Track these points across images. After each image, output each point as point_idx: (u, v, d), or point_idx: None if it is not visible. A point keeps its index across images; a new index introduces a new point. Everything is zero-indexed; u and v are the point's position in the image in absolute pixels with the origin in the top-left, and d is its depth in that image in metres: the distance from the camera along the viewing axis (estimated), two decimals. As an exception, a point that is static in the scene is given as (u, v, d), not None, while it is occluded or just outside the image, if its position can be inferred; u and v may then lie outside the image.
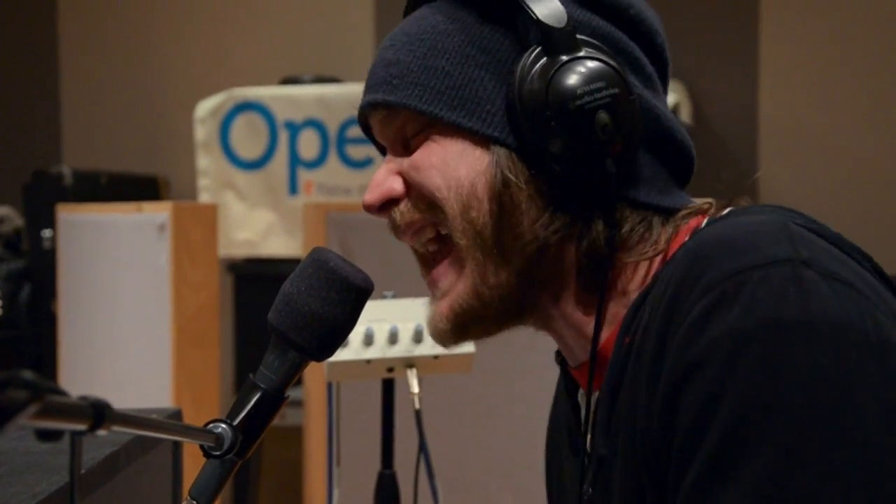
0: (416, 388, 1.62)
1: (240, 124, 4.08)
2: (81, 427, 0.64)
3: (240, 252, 4.12)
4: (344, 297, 1.00)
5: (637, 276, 1.01)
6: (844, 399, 0.79)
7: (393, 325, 1.64)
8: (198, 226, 2.94)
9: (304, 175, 4.09)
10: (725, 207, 1.02)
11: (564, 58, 0.96)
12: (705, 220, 1.01)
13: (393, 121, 1.04)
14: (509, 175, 0.98)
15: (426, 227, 1.04)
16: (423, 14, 1.05)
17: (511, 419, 2.56)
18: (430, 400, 1.72)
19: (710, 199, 1.03)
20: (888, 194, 4.36)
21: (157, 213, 2.93)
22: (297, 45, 4.87)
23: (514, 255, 1.00)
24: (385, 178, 1.04)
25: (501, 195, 0.98)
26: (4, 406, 0.55)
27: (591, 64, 0.97)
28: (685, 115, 4.17)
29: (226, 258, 4.13)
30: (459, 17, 1.02)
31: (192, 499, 0.99)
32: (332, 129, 4.04)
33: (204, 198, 4.06)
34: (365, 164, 4.03)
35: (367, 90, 1.05)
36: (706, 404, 0.82)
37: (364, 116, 1.08)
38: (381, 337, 1.64)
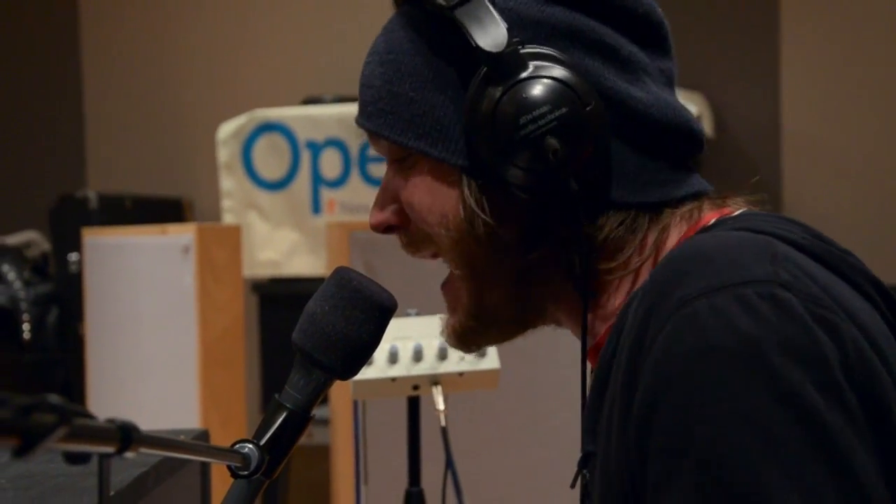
0: (441, 406, 1.62)
1: (262, 145, 4.10)
2: (109, 449, 0.65)
3: (264, 272, 4.13)
4: (368, 315, 1.01)
5: (628, 278, 0.99)
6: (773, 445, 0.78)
7: (417, 342, 1.64)
8: (222, 247, 2.95)
9: (326, 194, 4.10)
10: (737, 206, 1.00)
11: (506, 85, 0.93)
12: (703, 225, 0.98)
13: (378, 142, 1.05)
14: (477, 207, 0.98)
15: (426, 253, 1.06)
16: (393, 26, 1.04)
17: (538, 434, 2.56)
18: (457, 416, 1.72)
19: (720, 195, 1.01)
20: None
21: (182, 234, 2.94)
22: (317, 65, 4.89)
23: (503, 278, 1.01)
24: (384, 204, 1.06)
25: (475, 227, 0.98)
26: (33, 430, 0.55)
27: (537, 86, 0.94)
28: (707, 128, 4.16)
29: (250, 278, 4.14)
30: (418, 36, 1.01)
31: (221, 519, 1.00)
32: (354, 148, 4.05)
33: (228, 219, 4.08)
34: (387, 182, 4.04)
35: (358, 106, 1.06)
36: (668, 445, 0.82)
37: None
38: (405, 355, 1.65)
